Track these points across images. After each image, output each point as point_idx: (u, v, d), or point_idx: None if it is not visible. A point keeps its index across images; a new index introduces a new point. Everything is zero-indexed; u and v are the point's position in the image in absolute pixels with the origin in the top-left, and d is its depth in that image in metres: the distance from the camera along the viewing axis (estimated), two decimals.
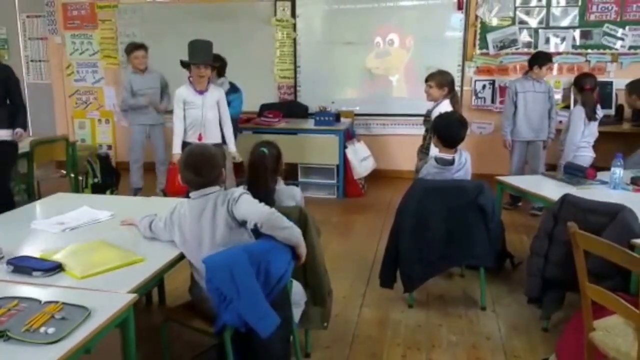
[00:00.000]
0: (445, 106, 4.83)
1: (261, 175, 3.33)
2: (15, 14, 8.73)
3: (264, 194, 3.17)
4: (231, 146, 5.51)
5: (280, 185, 3.45)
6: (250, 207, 2.80)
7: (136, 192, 6.75)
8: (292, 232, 2.79)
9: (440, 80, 4.98)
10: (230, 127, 5.53)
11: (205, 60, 5.17)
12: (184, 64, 5.23)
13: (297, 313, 3.13)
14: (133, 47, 6.37)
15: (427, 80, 5.05)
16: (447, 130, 4.09)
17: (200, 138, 5.34)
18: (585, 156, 5.23)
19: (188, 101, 5.29)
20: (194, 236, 2.85)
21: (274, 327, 2.60)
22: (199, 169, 2.86)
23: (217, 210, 2.82)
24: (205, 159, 2.91)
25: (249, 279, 2.56)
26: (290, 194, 3.47)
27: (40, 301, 2.21)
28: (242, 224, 2.83)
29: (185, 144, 5.40)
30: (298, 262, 2.91)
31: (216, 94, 5.39)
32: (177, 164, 5.23)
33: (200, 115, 5.30)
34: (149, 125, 6.57)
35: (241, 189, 2.91)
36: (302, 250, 2.86)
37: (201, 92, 5.27)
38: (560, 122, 6.34)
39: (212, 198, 2.85)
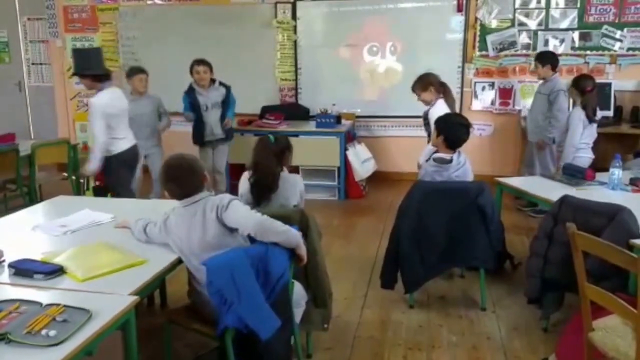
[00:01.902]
0: (440, 105, 4.88)
1: (264, 158, 3.36)
2: (16, 16, 8.74)
3: (265, 178, 3.35)
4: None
5: (284, 174, 3.56)
6: (240, 215, 2.80)
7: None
8: (290, 234, 2.81)
9: (422, 83, 5.06)
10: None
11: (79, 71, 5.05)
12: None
13: (298, 313, 3.14)
14: (136, 71, 6.21)
15: (413, 91, 5.12)
16: (451, 133, 4.12)
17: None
18: (584, 157, 5.23)
19: None
20: (184, 243, 2.86)
21: (274, 330, 2.61)
22: (180, 179, 2.87)
23: (206, 216, 2.81)
24: (184, 168, 2.89)
25: (249, 281, 2.57)
26: (293, 181, 3.61)
27: (41, 304, 2.22)
28: (234, 230, 2.84)
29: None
30: (299, 263, 2.93)
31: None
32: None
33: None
34: (144, 155, 6.13)
35: (229, 195, 2.91)
36: (302, 251, 2.88)
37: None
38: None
39: (200, 205, 2.85)
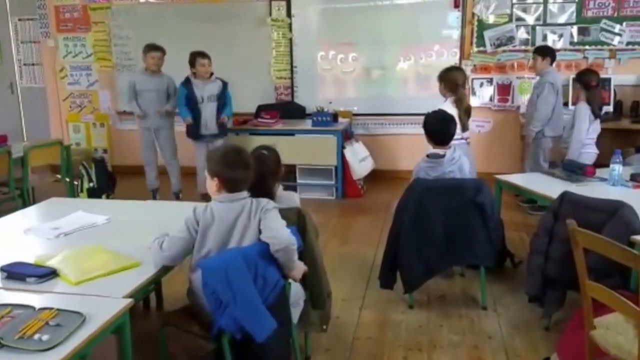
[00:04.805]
0: (444, 105, 4.84)
1: (262, 178, 3.26)
2: (6, 17, 8.66)
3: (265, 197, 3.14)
4: None
5: (280, 192, 3.38)
6: (276, 226, 2.72)
7: (154, 193, 6.82)
8: (295, 266, 2.79)
9: (441, 77, 5.08)
10: None
11: None
12: None
13: (295, 313, 3.11)
14: (151, 48, 6.40)
15: None
16: (434, 129, 4.16)
17: None
18: (590, 153, 5.22)
19: None
20: (217, 241, 2.74)
21: (270, 331, 2.57)
22: (249, 164, 2.80)
23: (251, 220, 2.73)
24: (247, 157, 2.84)
25: (244, 282, 2.53)
26: (290, 199, 3.40)
27: (34, 308, 2.19)
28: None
29: None
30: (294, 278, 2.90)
31: None
32: None
33: None
34: (153, 129, 6.56)
35: (272, 202, 2.84)
36: (294, 274, 2.83)
37: None
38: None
39: (246, 205, 2.76)
